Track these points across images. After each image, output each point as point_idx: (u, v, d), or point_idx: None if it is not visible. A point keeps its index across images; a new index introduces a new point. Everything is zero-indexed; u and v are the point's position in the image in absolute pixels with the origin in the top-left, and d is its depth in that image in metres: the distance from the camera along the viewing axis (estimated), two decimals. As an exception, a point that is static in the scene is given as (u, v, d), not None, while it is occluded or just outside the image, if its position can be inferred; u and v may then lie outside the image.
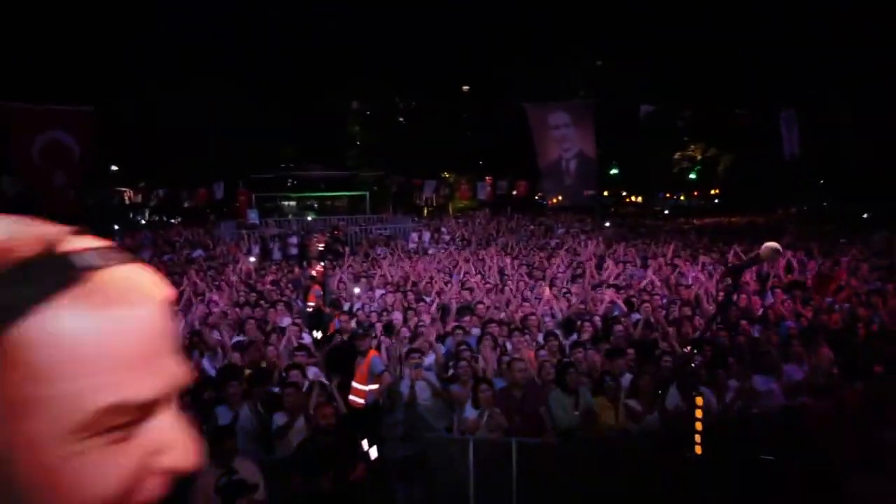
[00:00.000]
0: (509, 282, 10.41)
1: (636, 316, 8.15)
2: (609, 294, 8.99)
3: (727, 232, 20.09)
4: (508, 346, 6.96)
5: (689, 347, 5.47)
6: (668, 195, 40.86)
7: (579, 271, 11.26)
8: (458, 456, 5.47)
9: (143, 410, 0.51)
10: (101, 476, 0.50)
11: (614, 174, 38.25)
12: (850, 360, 6.45)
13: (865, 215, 24.64)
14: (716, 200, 38.99)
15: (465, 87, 41.30)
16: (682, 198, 42.01)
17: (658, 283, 9.96)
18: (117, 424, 0.50)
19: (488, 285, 10.07)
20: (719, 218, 28.65)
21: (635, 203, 41.36)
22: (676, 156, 34.93)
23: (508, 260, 12.79)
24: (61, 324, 0.46)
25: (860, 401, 5.87)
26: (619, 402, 5.61)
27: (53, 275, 0.47)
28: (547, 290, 9.02)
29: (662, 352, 6.49)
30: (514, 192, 34.87)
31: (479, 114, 37.20)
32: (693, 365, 4.82)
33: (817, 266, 11.04)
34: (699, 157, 35.84)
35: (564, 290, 9.53)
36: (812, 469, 4.81)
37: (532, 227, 20.75)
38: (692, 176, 39.39)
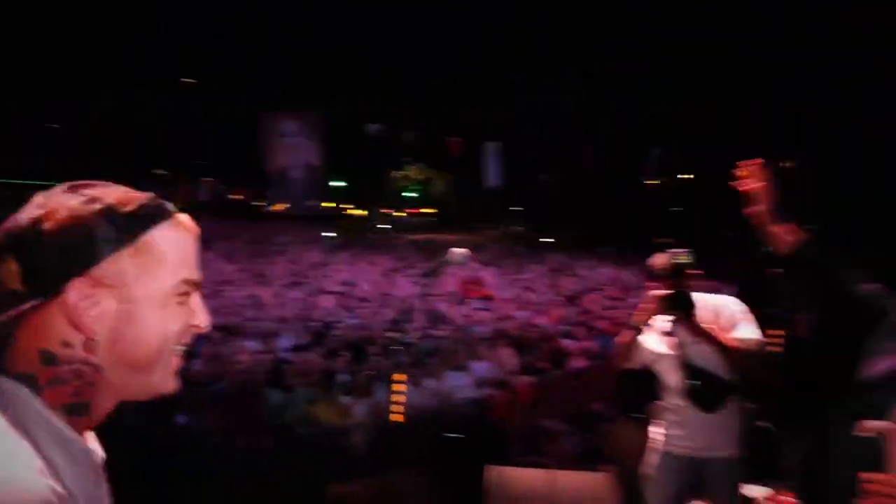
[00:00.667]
0: (229, 287, 10.15)
1: (352, 320, 8.64)
2: (328, 300, 9.38)
3: (440, 246, 22.04)
4: (223, 349, 6.82)
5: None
6: (386, 210, 43.14)
7: (299, 279, 11.49)
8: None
9: (193, 286, 0.91)
10: (173, 323, 0.89)
11: (340, 186, 39.24)
12: (524, 359, 7.72)
13: (549, 239, 29.13)
14: (433, 218, 42.25)
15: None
16: (403, 214, 44.74)
17: (371, 290, 10.69)
18: (183, 292, 0.89)
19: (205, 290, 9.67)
20: (434, 234, 31.13)
21: (358, 216, 42.80)
22: (399, 174, 37.26)
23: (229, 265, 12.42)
24: (167, 233, 0.88)
25: (531, 392, 7.14)
26: (335, 399, 5.93)
27: (160, 210, 0.89)
28: (266, 294, 9.04)
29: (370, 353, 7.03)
30: (234, 197, 33.74)
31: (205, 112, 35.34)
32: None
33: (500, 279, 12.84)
34: (420, 178, 38.71)
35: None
36: (494, 447, 5.66)
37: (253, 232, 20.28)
38: (413, 194, 42.32)
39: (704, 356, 3.13)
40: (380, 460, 4.54)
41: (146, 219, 0.86)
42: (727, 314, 3.19)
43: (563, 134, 30.87)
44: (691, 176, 33.88)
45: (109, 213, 0.83)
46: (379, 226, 30.96)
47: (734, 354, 3.06)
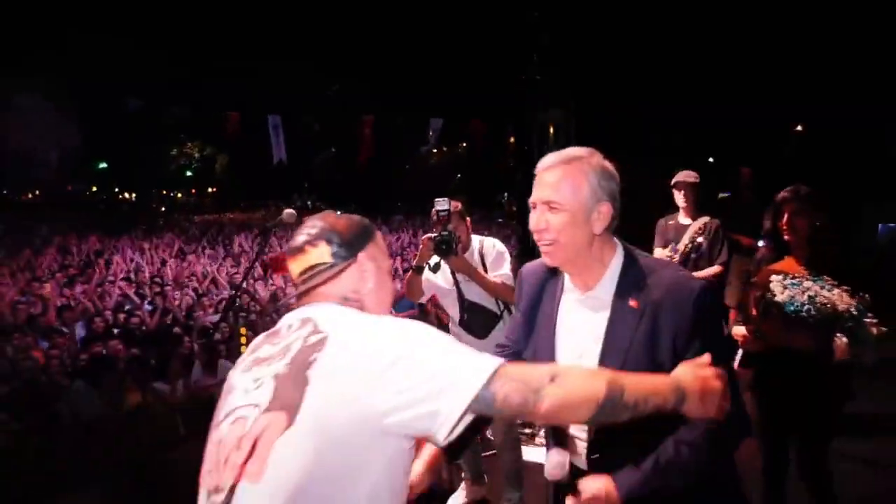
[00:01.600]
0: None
1: (148, 306, 8.32)
2: (122, 287, 8.89)
3: (227, 226, 21.27)
4: (8, 349, 6.27)
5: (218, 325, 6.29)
6: (164, 192, 40.09)
7: (74, 272, 10.58)
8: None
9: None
10: (391, 287, 1.60)
11: (103, 168, 35.50)
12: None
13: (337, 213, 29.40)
14: (212, 199, 40.14)
15: None
16: (178, 195, 41.82)
17: (169, 274, 10.26)
18: (389, 267, 1.63)
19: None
20: (218, 214, 29.78)
21: (128, 200, 39.20)
22: (174, 152, 34.63)
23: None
24: (378, 238, 1.59)
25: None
26: (147, 384, 5.86)
27: (367, 229, 1.57)
28: (47, 288, 8.31)
29: (178, 335, 6.94)
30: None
31: None
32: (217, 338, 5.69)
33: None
34: (197, 156, 36.37)
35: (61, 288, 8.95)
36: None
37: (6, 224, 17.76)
38: (189, 173, 39.71)
39: (475, 291, 3.56)
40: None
41: (372, 227, 1.59)
42: (491, 254, 3.69)
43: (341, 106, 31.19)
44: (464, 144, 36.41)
45: (362, 223, 1.58)
46: (156, 206, 28.64)
47: (494, 289, 3.49)
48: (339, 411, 1.21)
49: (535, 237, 1.70)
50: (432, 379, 1.22)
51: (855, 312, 2.65)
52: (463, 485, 4.02)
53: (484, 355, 1.29)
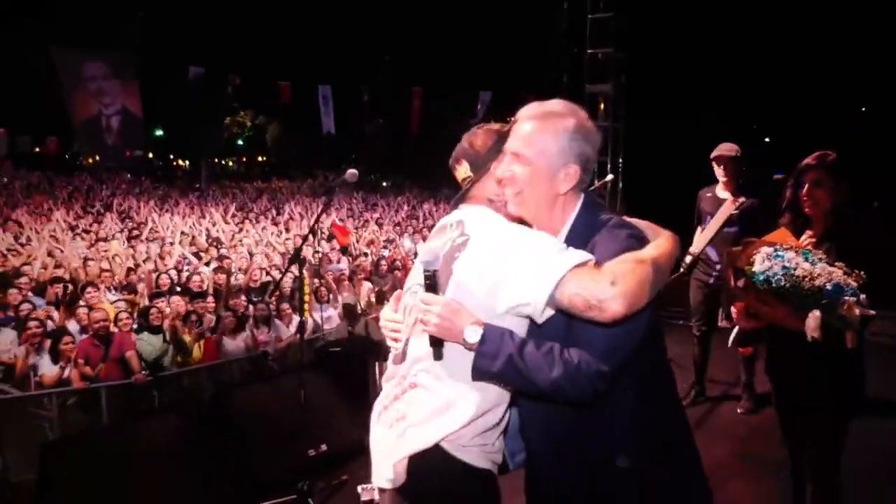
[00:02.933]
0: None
1: (205, 267, 8.74)
2: (179, 248, 9.34)
3: (277, 194, 21.79)
4: (83, 302, 6.74)
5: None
6: (216, 160, 41.09)
7: (135, 232, 11.12)
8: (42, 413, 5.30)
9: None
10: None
11: (160, 136, 36.59)
12: (380, 290, 8.42)
13: (385, 183, 29.77)
14: (265, 168, 40.94)
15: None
16: (229, 163, 42.82)
17: (224, 238, 10.73)
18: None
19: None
20: (268, 183, 30.43)
21: (182, 167, 40.33)
22: (227, 121, 35.43)
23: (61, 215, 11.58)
24: None
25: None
26: (203, 337, 6.26)
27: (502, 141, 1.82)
28: (115, 246, 8.80)
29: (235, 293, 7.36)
30: (39, 149, 30.30)
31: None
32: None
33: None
34: (249, 125, 37.13)
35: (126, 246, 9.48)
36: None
37: (70, 188, 18.59)
38: (240, 142, 40.61)
39: None
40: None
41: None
42: None
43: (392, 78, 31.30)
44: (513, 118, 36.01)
45: (500, 134, 1.81)
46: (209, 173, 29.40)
47: None
48: (467, 298, 1.62)
49: (501, 185, 1.75)
50: (520, 285, 1.54)
51: (830, 287, 2.32)
52: None
53: (564, 255, 1.54)
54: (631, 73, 8.72)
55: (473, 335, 1.56)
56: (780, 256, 2.46)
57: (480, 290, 1.61)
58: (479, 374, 1.59)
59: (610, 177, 6.30)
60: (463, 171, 1.90)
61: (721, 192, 4.77)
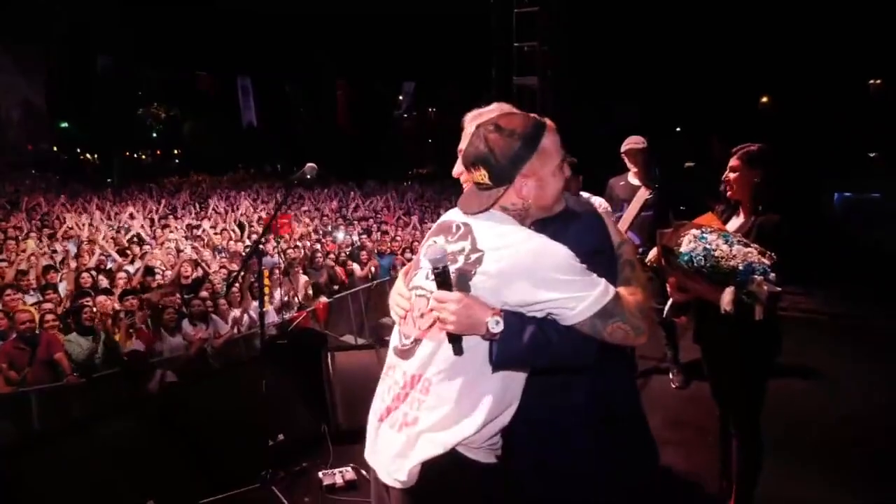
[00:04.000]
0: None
1: (129, 266, 8.45)
2: (103, 247, 9.00)
3: (196, 188, 21.09)
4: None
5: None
6: (127, 153, 39.16)
7: (47, 231, 10.58)
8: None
9: (564, 163, 1.76)
10: (558, 183, 1.73)
11: (66, 128, 34.50)
12: (316, 283, 8.40)
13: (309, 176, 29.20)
14: (176, 161, 39.33)
15: None
16: (143, 156, 40.94)
17: (145, 234, 10.38)
18: (560, 167, 1.73)
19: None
20: (185, 177, 29.31)
21: (91, 161, 38.20)
22: (139, 112, 33.81)
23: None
24: (548, 137, 1.71)
25: (324, 309, 7.94)
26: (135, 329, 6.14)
27: (541, 124, 1.73)
28: (31, 245, 8.35)
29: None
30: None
31: None
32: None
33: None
34: (163, 116, 35.56)
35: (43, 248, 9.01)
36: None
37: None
38: (154, 135, 38.85)
39: None
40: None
41: (538, 132, 1.68)
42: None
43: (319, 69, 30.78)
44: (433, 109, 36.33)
45: (523, 137, 1.67)
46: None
47: None
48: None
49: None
50: (559, 311, 1.62)
51: (742, 267, 2.63)
52: None
53: (594, 286, 1.63)
54: (557, 68, 9.01)
55: (496, 325, 1.59)
56: (704, 238, 2.77)
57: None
58: (504, 360, 1.64)
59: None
60: (479, 176, 1.72)
61: (633, 179, 5.05)
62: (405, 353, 1.77)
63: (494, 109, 1.94)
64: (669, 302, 3.13)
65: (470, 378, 1.65)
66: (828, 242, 8.55)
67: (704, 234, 2.79)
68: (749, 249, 2.70)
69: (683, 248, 2.78)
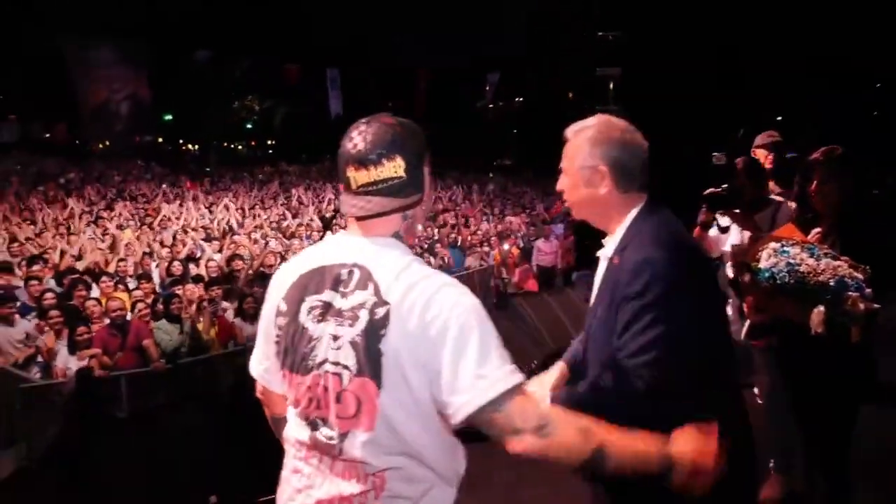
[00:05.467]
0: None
1: (217, 255, 8.80)
2: (192, 236, 9.41)
3: (288, 177, 21.79)
4: (95, 291, 6.82)
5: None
6: (225, 144, 41.04)
7: (148, 219, 11.20)
8: (61, 401, 5.38)
9: None
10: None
11: (168, 120, 36.56)
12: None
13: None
14: (270, 151, 40.80)
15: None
16: (239, 146, 42.78)
17: (235, 225, 10.81)
18: None
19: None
20: (276, 167, 30.34)
21: (192, 151, 40.33)
22: (235, 105, 35.32)
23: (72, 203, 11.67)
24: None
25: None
26: (216, 316, 6.37)
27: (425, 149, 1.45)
28: (128, 234, 8.87)
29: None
30: (48, 136, 30.34)
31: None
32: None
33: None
34: (257, 108, 36.99)
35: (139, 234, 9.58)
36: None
37: (82, 174, 18.66)
38: (249, 126, 40.52)
39: None
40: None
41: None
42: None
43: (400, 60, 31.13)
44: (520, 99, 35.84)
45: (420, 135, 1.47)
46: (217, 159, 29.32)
47: None
48: (411, 377, 1.33)
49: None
50: (461, 378, 1.30)
51: (833, 283, 2.35)
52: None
53: (506, 371, 1.33)
54: (641, 59, 8.59)
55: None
56: (786, 252, 2.50)
57: (420, 375, 1.34)
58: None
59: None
60: (391, 169, 1.40)
61: None
62: (330, 451, 1.41)
63: (595, 123, 1.82)
64: (747, 323, 2.88)
65: (433, 458, 1.41)
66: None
67: (786, 248, 2.53)
68: (839, 263, 2.42)
69: (763, 264, 2.52)
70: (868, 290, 2.35)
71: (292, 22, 30.56)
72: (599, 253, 1.87)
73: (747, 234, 3.20)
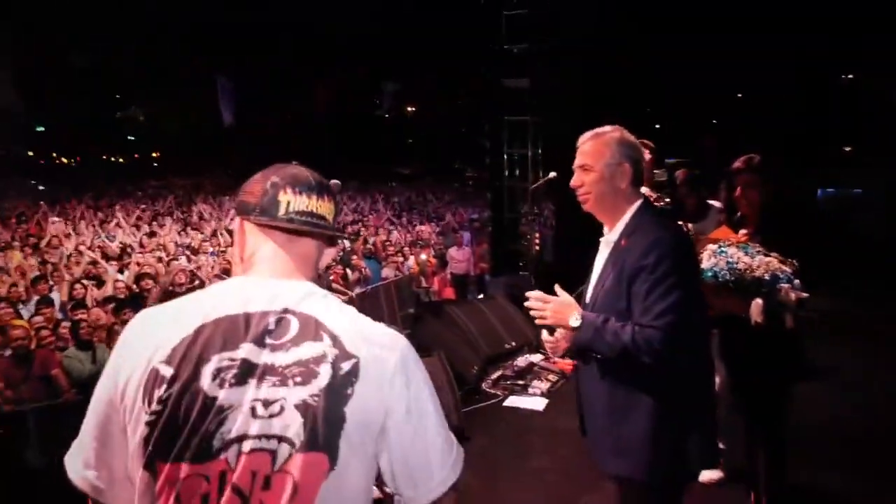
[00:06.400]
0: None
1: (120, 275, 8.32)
2: (88, 255, 8.86)
3: (178, 192, 20.77)
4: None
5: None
6: (104, 156, 38.48)
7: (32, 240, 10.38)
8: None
9: None
10: None
11: (41, 131, 33.82)
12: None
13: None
14: (154, 164, 38.66)
15: None
16: (121, 159, 40.25)
17: (133, 242, 10.24)
18: None
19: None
20: (165, 179, 28.82)
21: (68, 164, 37.48)
22: (118, 115, 33.27)
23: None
24: None
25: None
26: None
27: None
28: (17, 257, 8.19)
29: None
30: None
31: None
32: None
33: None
34: (141, 118, 35.03)
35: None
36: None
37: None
38: (131, 137, 38.22)
39: None
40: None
41: None
42: None
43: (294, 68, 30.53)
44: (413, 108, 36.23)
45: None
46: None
47: None
48: (371, 448, 1.14)
49: (576, 191, 2.19)
50: (426, 466, 1.18)
51: (768, 277, 2.67)
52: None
53: (451, 452, 1.23)
54: (548, 68, 8.92)
55: (575, 321, 2.05)
56: (724, 252, 2.81)
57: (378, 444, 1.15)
58: (581, 347, 2.09)
59: (552, 174, 6.50)
60: (328, 209, 1.26)
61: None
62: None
63: (614, 129, 2.15)
64: None
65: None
66: (825, 240, 8.63)
67: (723, 248, 2.83)
68: (770, 258, 2.73)
69: (705, 264, 2.80)
70: (797, 282, 2.68)
71: (178, 27, 29.18)
72: (602, 239, 2.19)
73: None
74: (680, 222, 3.56)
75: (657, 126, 24.85)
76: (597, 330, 1.99)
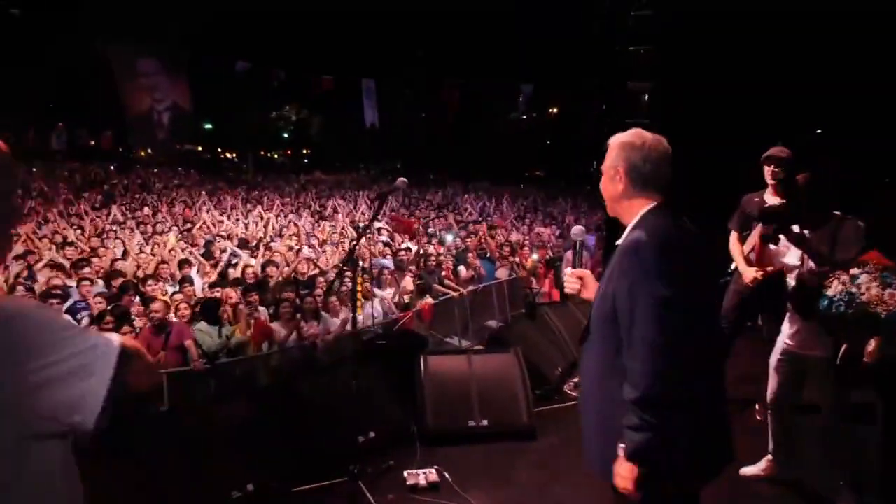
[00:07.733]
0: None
1: (252, 259, 9.12)
2: (228, 243, 9.79)
3: (326, 186, 22.24)
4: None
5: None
6: (262, 152, 41.90)
7: (188, 225, 11.63)
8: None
9: None
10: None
11: (209, 129, 37.53)
12: (422, 284, 8.68)
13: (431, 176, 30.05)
14: (306, 160, 41.50)
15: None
16: (275, 155, 43.63)
17: (271, 232, 11.16)
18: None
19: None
20: (312, 175, 30.90)
21: (230, 159, 41.22)
22: (273, 115, 36.21)
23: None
24: None
25: (429, 310, 8.16)
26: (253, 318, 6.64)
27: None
28: (171, 240, 9.27)
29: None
30: (94, 143, 31.35)
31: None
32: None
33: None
34: (294, 118, 37.88)
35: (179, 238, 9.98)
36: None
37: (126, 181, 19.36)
38: (285, 135, 41.41)
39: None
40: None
41: None
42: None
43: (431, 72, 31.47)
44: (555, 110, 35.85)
45: None
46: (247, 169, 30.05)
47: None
48: None
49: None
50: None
51: (884, 316, 2.39)
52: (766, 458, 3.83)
53: None
54: (672, 73, 8.65)
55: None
56: (857, 280, 2.54)
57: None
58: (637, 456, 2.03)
59: (401, 180, 4.79)
60: None
61: (770, 196, 4.40)
62: None
63: (627, 132, 2.21)
64: (844, 348, 2.96)
65: None
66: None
67: (858, 277, 2.56)
68: None
69: (829, 291, 2.60)
70: None
71: (326, 34, 31.18)
72: (618, 242, 2.22)
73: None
74: (796, 228, 3.31)
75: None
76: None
